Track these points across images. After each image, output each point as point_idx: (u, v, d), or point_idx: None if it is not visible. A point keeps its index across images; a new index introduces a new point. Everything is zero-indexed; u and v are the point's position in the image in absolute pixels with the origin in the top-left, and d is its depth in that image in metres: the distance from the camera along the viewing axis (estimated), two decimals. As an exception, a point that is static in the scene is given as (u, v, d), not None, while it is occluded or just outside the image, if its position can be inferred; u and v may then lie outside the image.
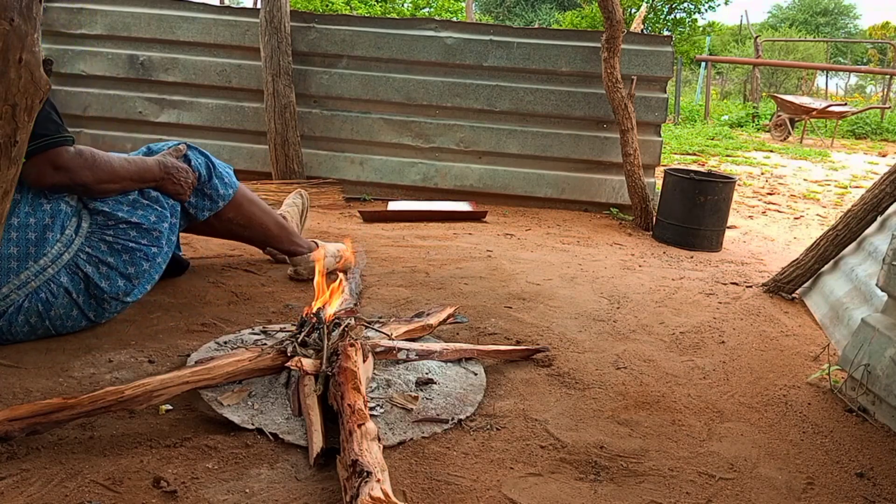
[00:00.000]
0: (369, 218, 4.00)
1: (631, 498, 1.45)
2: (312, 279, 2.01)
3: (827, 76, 16.94)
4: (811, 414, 1.92)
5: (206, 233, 2.57)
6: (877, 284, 2.13)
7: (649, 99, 4.42)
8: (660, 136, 4.53)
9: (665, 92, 4.50)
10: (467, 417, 1.71)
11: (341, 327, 1.82)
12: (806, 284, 2.98)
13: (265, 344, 1.87)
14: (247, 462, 1.46)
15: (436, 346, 2.00)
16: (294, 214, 2.93)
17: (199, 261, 2.78)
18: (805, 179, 6.92)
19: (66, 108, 4.59)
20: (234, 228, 2.48)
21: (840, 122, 11.39)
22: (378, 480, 1.25)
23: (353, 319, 1.89)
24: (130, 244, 2.04)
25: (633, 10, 15.28)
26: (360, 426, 1.41)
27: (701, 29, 18.73)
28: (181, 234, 2.47)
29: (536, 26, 8.95)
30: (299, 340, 1.80)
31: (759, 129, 12.15)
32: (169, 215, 2.17)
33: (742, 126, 12.50)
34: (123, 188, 2.05)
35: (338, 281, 2.02)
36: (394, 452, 1.53)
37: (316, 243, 2.74)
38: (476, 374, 1.93)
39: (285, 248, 2.67)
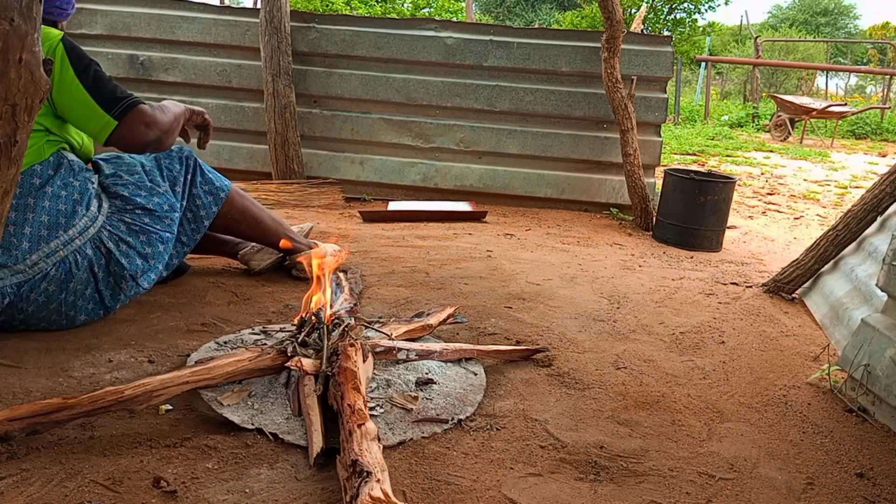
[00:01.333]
0: (369, 218, 4.00)
1: (631, 498, 1.45)
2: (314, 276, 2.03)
3: (827, 76, 16.94)
4: (811, 414, 1.92)
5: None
6: (877, 285, 2.13)
7: (649, 99, 4.42)
8: (660, 136, 4.53)
9: (665, 92, 4.50)
10: (467, 417, 1.71)
11: (341, 327, 1.82)
12: (806, 285, 2.98)
13: (265, 344, 1.87)
14: (247, 462, 1.46)
15: (436, 346, 2.00)
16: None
17: (200, 261, 2.78)
18: (805, 180, 6.92)
19: (66, 108, 4.58)
20: (229, 223, 2.49)
21: (840, 122, 11.38)
22: (378, 480, 1.25)
23: (353, 319, 1.89)
24: (147, 227, 2.15)
25: (633, 10, 15.28)
26: (360, 426, 1.41)
27: (701, 29, 18.73)
28: None
29: (536, 26, 8.94)
30: (299, 340, 1.80)
31: (759, 130, 12.15)
32: (178, 207, 2.27)
33: (742, 126, 12.50)
34: (177, 132, 2.20)
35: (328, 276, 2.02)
36: (394, 452, 1.53)
37: (315, 243, 2.75)
38: (476, 374, 1.93)
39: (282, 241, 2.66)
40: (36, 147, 1.94)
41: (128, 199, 2.13)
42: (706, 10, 18.52)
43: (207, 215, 2.39)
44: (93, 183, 2.08)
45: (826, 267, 2.90)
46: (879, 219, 2.70)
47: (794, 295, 2.99)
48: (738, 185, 6.12)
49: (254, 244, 2.68)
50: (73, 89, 1.93)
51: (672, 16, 18.43)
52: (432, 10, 13.09)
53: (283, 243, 2.55)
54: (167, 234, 2.20)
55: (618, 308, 2.66)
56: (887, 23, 24.32)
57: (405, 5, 12.98)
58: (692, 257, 3.63)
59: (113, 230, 2.08)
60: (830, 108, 10.85)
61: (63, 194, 1.98)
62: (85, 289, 2.03)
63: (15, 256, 1.91)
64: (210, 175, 2.42)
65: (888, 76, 14.97)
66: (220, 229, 2.53)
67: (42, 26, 1.35)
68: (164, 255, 2.21)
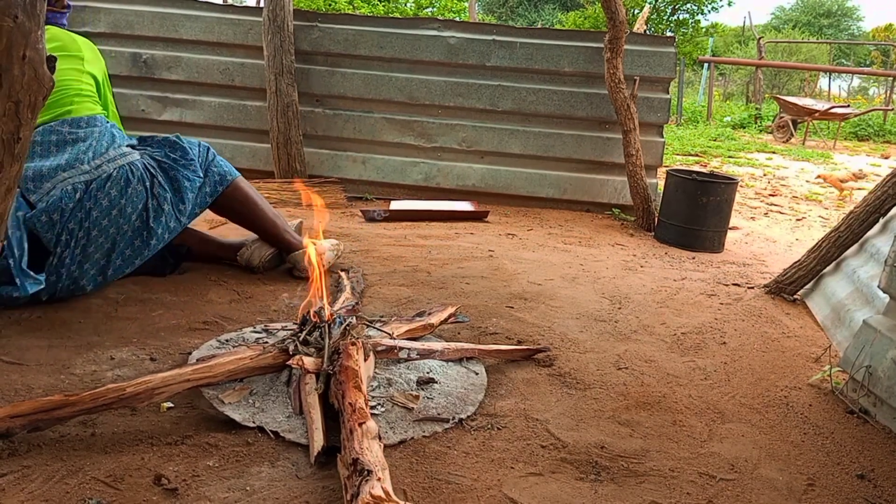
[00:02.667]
0: (371, 217, 4.00)
1: (631, 498, 1.45)
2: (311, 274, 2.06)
3: (830, 78, 16.91)
4: (812, 415, 1.92)
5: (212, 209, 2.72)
6: (878, 286, 2.12)
7: (652, 100, 4.42)
8: (662, 136, 4.53)
9: (668, 93, 4.50)
10: (468, 417, 1.71)
11: (343, 326, 1.83)
12: (807, 286, 2.98)
13: (267, 342, 1.88)
14: (248, 460, 1.47)
15: (437, 345, 2.00)
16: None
17: (199, 260, 2.78)
18: (807, 181, 6.91)
19: (68, 106, 4.59)
20: (234, 205, 2.66)
21: (843, 123, 11.37)
22: (379, 479, 1.25)
23: (354, 318, 1.89)
24: (177, 174, 2.47)
25: (637, 11, 15.28)
26: (360, 425, 1.41)
27: (704, 30, 18.71)
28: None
29: (539, 26, 8.94)
30: (301, 339, 1.80)
31: (761, 131, 12.14)
32: (199, 182, 2.54)
33: (744, 127, 12.49)
34: None
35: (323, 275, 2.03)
36: (394, 451, 1.54)
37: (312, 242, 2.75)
38: (477, 374, 1.93)
39: (280, 238, 2.70)
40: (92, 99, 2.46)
41: (161, 161, 2.47)
42: (709, 11, 18.51)
43: (222, 182, 2.61)
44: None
45: (828, 268, 2.90)
46: (882, 220, 2.69)
47: (795, 296, 2.98)
48: (741, 187, 6.12)
49: (249, 244, 2.72)
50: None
51: (675, 16, 18.42)
52: (435, 9, 13.09)
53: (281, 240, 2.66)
54: (196, 179, 2.51)
55: (619, 308, 2.66)
56: (890, 24, 24.30)
57: (408, 5, 12.98)
58: (694, 258, 3.63)
59: (152, 166, 2.42)
60: (833, 110, 10.84)
61: (108, 126, 2.43)
62: (138, 201, 2.33)
63: (81, 159, 2.28)
64: (218, 159, 2.66)
65: (891, 78, 14.95)
66: (224, 211, 2.68)
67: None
68: (188, 200, 2.48)
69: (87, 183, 2.25)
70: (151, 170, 2.40)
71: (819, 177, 6.20)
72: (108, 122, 2.45)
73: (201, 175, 2.54)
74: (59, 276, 2.22)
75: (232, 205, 2.66)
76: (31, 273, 2.15)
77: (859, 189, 6.01)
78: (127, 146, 2.44)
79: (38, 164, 2.23)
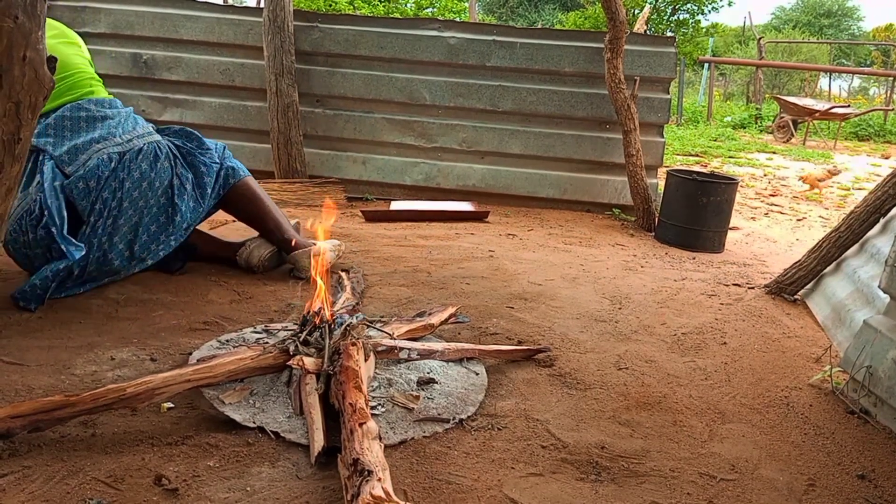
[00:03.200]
0: (371, 217, 4.00)
1: (632, 498, 1.45)
2: (312, 275, 2.07)
3: (830, 78, 16.91)
4: (813, 415, 1.92)
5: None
6: (879, 286, 2.12)
7: (652, 100, 4.42)
8: (662, 136, 4.53)
9: (668, 93, 4.50)
10: (468, 417, 1.71)
11: (343, 326, 1.83)
12: (808, 286, 2.98)
13: (267, 342, 1.87)
14: (248, 460, 1.47)
15: (437, 345, 2.00)
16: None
17: (201, 260, 2.78)
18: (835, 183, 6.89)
19: (69, 107, 4.59)
20: (242, 201, 2.73)
21: (843, 123, 11.37)
22: (379, 479, 1.25)
23: (354, 319, 1.89)
24: (195, 161, 2.60)
25: (637, 11, 15.28)
26: (361, 425, 1.41)
27: (704, 30, 18.71)
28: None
29: (539, 27, 8.93)
30: (301, 339, 1.80)
31: (761, 131, 12.14)
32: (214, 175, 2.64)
33: (745, 127, 12.48)
34: None
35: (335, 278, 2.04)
36: (395, 451, 1.54)
37: (314, 243, 2.75)
38: (477, 374, 1.93)
39: (283, 236, 2.72)
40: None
41: (180, 147, 2.60)
42: (709, 12, 18.50)
43: (234, 175, 2.70)
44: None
45: (828, 268, 2.90)
46: (882, 220, 2.69)
47: (796, 296, 2.98)
48: (741, 187, 6.11)
49: (249, 243, 2.73)
50: None
51: (675, 17, 18.41)
52: (435, 9, 13.08)
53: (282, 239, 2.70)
54: (213, 165, 2.62)
55: (619, 308, 2.66)
56: (891, 24, 24.30)
57: (408, 5, 12.98)
58: (694, 258, 3.63)
59: (173, 150, 2.55)
60: (833, 110, 10.84)
61: (128, 108, 2.59)
62: (165, 177, 2.45)
63: (113, 133, 2.42)
64: (230, 154, 2.78)
65: (891, 78, 14.95)
66: (231, 206, 2.74)
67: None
68: (206, 184, 2.59)
69: (120, 154, 2.38)
70: (174, 152, 2.54)
71: (801, 178, 6.31)
72: (126, 106, 2.59)
73: (218, 162, 2.64)
74: (90, 247, 2.30)
75: (240, 200, 2.72)
76: (73, 240, 2.24)
77: (832, 185, 6.19)
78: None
79: (71, 141, 2.35)
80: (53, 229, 2.19)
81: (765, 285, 3.11)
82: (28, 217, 2.23)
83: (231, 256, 2.74)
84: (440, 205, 4.32)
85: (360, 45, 4.49)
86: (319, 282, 1.94)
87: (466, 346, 2.04)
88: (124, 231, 2.38)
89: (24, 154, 1.33)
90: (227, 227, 3.36)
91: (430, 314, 2.21)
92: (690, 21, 18.46)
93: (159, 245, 2.47)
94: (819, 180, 6.01)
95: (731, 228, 4.03)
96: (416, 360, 1.93)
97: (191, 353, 1.94)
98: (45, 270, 2.20)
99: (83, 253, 2.24)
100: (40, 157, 2.30)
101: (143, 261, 2.46)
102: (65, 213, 2.24)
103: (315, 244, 2.70)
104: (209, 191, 2.59)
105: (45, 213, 2.21)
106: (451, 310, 2.27)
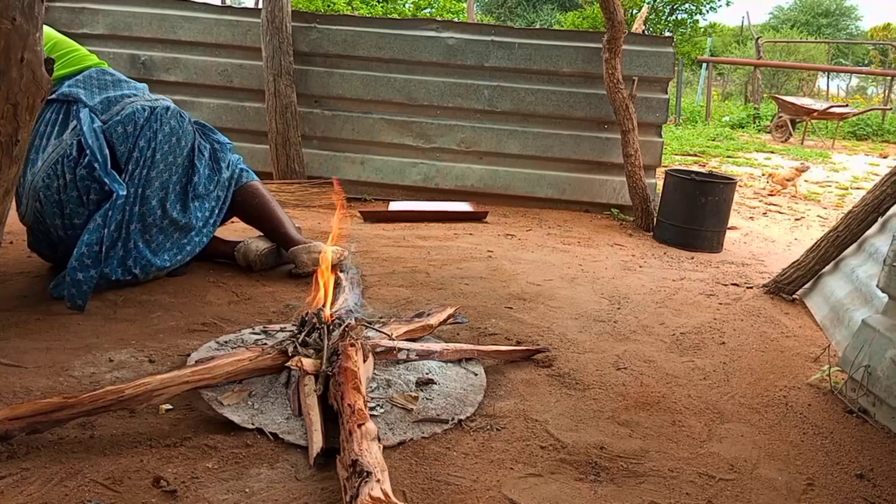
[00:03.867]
0: (370, 218, 4.00)
1: (631, 498, 1.45)
2: (314, 272, 2.11)
3: (828, 77, 16.91)
4: (811, 415, 1.92)
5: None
6: (877, 286, 2.12)
7: (650, 100, 4.42)
8: (661, 136, 4.53)
9: (666, 93, 4.50)
10: (467, 418, 1.71)
11: (342, 327, 1.82)
12: (806, 286, 2.98)
13: (265, 344, 1.87)
14: (247, 462, 1.46)
15: (436, 346, 2.00)
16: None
17: (201, 260, 2.77)
18: (806, 181, 6.90)
19: (67, 108, 4.59)
20: (249, 200, 2.81)
21: (841, 123, 11.37)
22: (378, 480, 1.25)
23: (353, 319, 1.89)
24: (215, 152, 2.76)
25: (635, 11, 15.27)
26: (360, 426, 1.41)
27: (702, 30, 18.71)
28: None
29: (538, 27, 8.94)
30: (300, 340, 1.80)
31: (760, 131, 12.14)
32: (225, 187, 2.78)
33: (743, 127, 12.49)
34: None
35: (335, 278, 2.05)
36: (394, 452, 1.53)
37: (313, 241, 2.77)
38: (476, 375, 1.93)
39: (285, 232, 2.77)
40: None
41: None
42: (707, 11, 18.49)
43: (243, 176, 2.84)
44: None
45: (827, 268, 2.90)
46: (880, 220, 2.70)
47: (794, 296, 2.99)
48: (739, 186, 6.12)
49: (247, 240, 2.76)
50: None
51: (673, 16, 18.41)
52: (433, 10, 13.08)
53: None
54: (228, 145, 2.80)
55: (618, 309, 2.66)
56: (889, 24, 24.31)
57: (406, 5, 12.97)
58: (693, 258, 3.63)
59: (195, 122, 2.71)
60: (831, 110, 10.85)
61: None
62: (189, 139, 2.58)
63: (140, 91, 2.57)
64: (244, 164, 2.90)
65: (889, 77, 14.96)
66: (237, 206, 2.80)
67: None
68: (222, 160, 2.74)
69: (151, 108, 2.50)
70: (193, 124, 2.69)
71: (769, 176, 6.41)
72: None
73: (231, 145, 2.82)
74: (126, 196, 2.38)
75: (247, 199, 2.80)
76: (116, 175, 2.33)
77: (800, 182, 6.29)
78: None
79: (102, 95, 2.47)
80: (96, 165, 2.28)
81: (763, 285, 3.11)
82: (66, 159, 2.29)
83: (229, 251, 2.75)
84: (439, 205, 4.32)
85: (358, 46, 4.49)
86: (321, 281, 1.94)
87: (465, 346, 2.04)
88: (156, 186, 2.47)
89: (21, 156, 1.33)
90: (227, 228, 3.36)
91: (428, 315, 2.21)
92: (688, 21, 18.45)
93: (187, 211, 2.59)
94: (787, 179, 6.09)
95: (729, 228, 4.04)
96: (415, 360, 1.92)
97: (189, 355, 1.94)
98: (80, 248, 2.24)
99: (124, 192, 2.33)
100: (73, 108, 2.37)
101: (176, 223, 2.55)
102: (106, 152, 2.33)
103: (314, 242, 2.71)
104: (224, 169, 2.73)
105: (87, 151, 2.28)
106: (449, 310, 2.27)
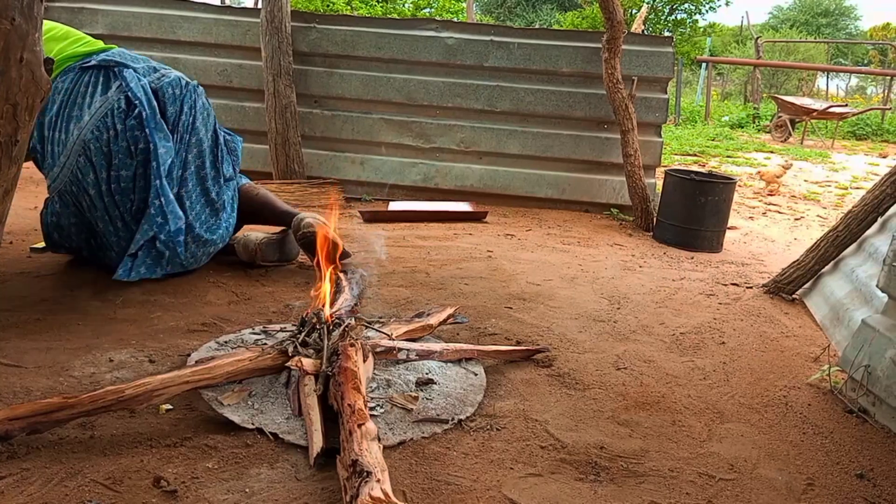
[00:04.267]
0: (370, 218, 4.00)
1: (631, 498, 1.45)
2: (323, 231, 2.39)
3: (828, 77, 16.91)
4: (811, 415, 1.92)
5: None
6: (877, 286, 2.12)
7: (650, 100, 4.42)
8: (660, 136, 4.53)
9: (666, 93, 4.50)
10: (467, 418, 1.71)
11: (342, 327, 1.83)
12: (806, 285, 2.98)
13: (266, 344, 1.87)
14: (247, 462, 1.46)
15: (436, 346, 2.00)
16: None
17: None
18: (805, 180, 6.91)
19: (66, 108, 4.59)
20: (249, 193, 2.88)
21: (841, 123, 11.38)
22: (378, 480, 1.25)
23: (353, 319, 1.89)
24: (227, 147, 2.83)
25: (634, 11, 15.27)
26: (360, 426, 1.41)
27: (702, 30, 18.71)
28: None
29: (537, 27, 8.94)
30: (300, 340, 1.80)
31: (759, 130, 12.14)
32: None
33: (743, 127, 12.49)
34: None
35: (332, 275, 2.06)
36: (394, 452, 1.53)
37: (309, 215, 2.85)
38: (476, 375, 1.93)
39: (287, 209, 2.87)
40: None
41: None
42: (707, 11, 18.50)
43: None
44: None
45: (826, 268, 2.90)
46: (880, 220, 2.70)
47: (794, 296, 2.99)
48: (739, 186, 6.12)
49: (245, 234, 2.81)
50: None
51: (673, 16, 18.42)
52: (433, 10, 13.08)
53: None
54: (239, 139, 2.94)
55: (618, 308, 2.66)
56: (888, 24, 24.31)
57: (406, 5, 12.97)
58: (692, 258, 3.63)
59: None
60: (831, 109, 10.85)
61: None
62: (213, 119, 2.65)
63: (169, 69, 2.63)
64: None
65: (889, 77, 14.96)
66: (244, 202, 2.86)
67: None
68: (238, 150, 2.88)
69: (187, 80, 2.59)
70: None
71: (758, 173, 6.49)
72: None
73: (240, 139, 2.92)
74: (173, 164, 2.46)
75: (247, 195, 2.87)
76: (164, 126, 2.40)
77: (783, 182, 6.37)
78: None
79: (142, 64, 2.52)
80: (145, 113, 2.34)
81: (763, 285, 3.11)
82: (115, 111, 2.34)
83: (229, 245, 2.76)
84: (438, 205, 4.32)
85: (357, 46, 4.49)
86: (323, 278, 1.95)
87: (465, 346, 2.04)
88: (194, 154, 2.55)
89: (21, 156, 1.33)
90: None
91: (428, 315, 2.21)
92: (688, 21, 18.46)
93: (217, 185, 2.65)
94: (777, 176, 6.14)
95: (729, 228, 4.04)
96: (415, 360, 1.92)
97: (189, 355, 1.94)
98: (140, 240, 2.36)
99: (169, 143, 2.40)
100: (111, 72, 2.40)
101: (207, 193, 2.61)
102: (155, 105, 2.40)
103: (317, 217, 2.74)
104: (238, 161, 2.83)
105: (136, 102, 2.35)
106: (449, 310, 2.27)
